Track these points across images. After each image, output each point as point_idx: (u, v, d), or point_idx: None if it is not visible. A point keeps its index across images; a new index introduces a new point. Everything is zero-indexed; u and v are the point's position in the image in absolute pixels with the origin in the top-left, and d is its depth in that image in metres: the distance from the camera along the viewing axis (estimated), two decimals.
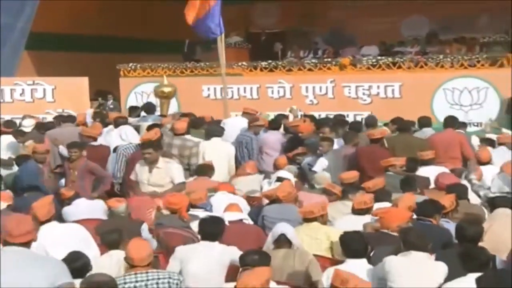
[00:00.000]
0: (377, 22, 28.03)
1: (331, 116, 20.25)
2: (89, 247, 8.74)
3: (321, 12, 28.89)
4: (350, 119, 20.21)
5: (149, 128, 14.45)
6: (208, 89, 24.81)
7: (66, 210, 11.12)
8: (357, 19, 28.57)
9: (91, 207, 11.20)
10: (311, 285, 8.30)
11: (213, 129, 14.98)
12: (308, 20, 29.33)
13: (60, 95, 24.59)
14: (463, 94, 23.20)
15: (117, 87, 26.27)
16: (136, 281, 7.44)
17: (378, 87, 23.95)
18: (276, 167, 13.63)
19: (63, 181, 13.76)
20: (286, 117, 18.26)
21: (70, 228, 9.47)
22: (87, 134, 14.67)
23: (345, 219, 10.02)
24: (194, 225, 9.83)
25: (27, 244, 6.19)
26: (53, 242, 8.90)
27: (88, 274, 7.66)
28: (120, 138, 15.15)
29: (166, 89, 20.08)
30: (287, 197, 10.63)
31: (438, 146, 14.07)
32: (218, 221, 8.96)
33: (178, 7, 25.88)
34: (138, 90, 26.15)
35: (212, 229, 8.69)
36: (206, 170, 12.70)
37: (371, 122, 16.40)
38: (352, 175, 12.29)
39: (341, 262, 8.97)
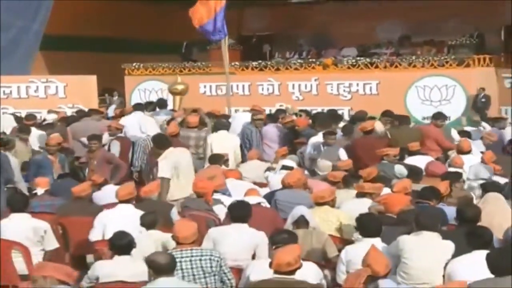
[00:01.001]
0: (355, 26, 28.03)
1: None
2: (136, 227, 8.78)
3: (305, 17, 28.83)
4: None
5: (168, 123, 14.66)
6: (204, 86, 25.00)
7: (97, 195, 11.09)
8: (337, 23, 28.56)
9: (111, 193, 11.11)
10: (327, 261, 8.35)
11: (220, 122, 15.02)
12: (293, 24, 29.32)
13: (71, 91, 24.51)
14: (433, 91, 23.43)
15: (122, 84, 26.35)
16: (181, 257, 7.43)
17: (357, 84, 24.20)
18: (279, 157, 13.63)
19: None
20: (284, 111, 18.34)
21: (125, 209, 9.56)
22: (115, 126, 14.74)
23: (350, 203, 10.04)
24: (215, 208, 10.00)
25: None
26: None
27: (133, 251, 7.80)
28: (139, 127, 15.37)
29: (179, 87, 20.19)
30: (297, 183, 10.62)
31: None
32: (246, 205, 8.95)
33: (177, 12, 26.04)
34: (141, 87, 26.25)
35: (242, 213, 8.66)
36: (217, 159, 12.70)
37: (361, 116, 16.37)
38: (347, 163, 12.44)
39: (349, 240, 9.13)
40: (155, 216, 8.78)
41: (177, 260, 7.33)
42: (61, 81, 24.72)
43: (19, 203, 9.50)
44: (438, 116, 15.35)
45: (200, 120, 15.03)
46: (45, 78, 25.02)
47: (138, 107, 17.12)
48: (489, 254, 6.63)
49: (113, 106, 20.79)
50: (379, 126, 14.81)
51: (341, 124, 15.40)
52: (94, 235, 9.36)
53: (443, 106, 22.37)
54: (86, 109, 19.64)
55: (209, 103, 20.98)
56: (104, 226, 9.31)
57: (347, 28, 27.95)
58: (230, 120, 16.34)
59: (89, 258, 10.35)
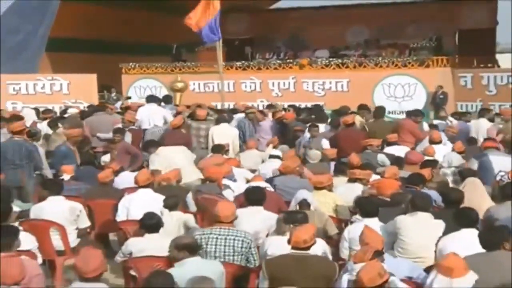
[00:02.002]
0: (327, 30, 28.04)
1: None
2: (156, 209, 8.81)
3: (282, 22, 28.88)
4: None
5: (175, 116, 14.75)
6: (194, 84, 24.88)
7: (116, 180, 11.08)
8: (311, 28, 28.59)
9: (131, 179, 11.15)
10: (329, 238, 8.37)
11: (221, 116, 15.03)
12: (272, 29, 29.38)
13: (74, 88, 24.57)
14: (397, 89, 23.55)
15: (120, 82, 26.32)
16: (219, 234, 7.48)
17: (330, 82, 24.26)
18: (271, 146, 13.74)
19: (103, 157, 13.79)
20: (274, 107, 18.44)
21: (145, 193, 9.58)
22: (128, 119, 14.76)
23: (343, 188, 10.14)
24: (225, 192, 9.99)
25: (98, 278, 6.08)
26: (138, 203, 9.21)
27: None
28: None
29: (180, 85, 20.39)
30: (287, 170, 10.64)
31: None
32: (261, 190, 8.98)
33: (168, 19, 26.24)
34: (136, 85, 26.25)
35: (258, 196, 8.70)
36: (219, 149, 12.74)
37: (343, 110, 16.38)
38: (333, 152, 12.63)
39: (344, 220, 9.27)
40: (177, 199, 8.85)
41: (214, 236, 7.47)
42: (65, 79, 24.74)
43: (56, 187, 9.60)
44: (417, 113, 15.42)
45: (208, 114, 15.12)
46: (51, 76, 25.02)
47: (152, 99, 17.06)
48: (481, 232, 6.77)
49: (119, 102, 20.72)
50: (358, 120, 14.97)
51: None
52: (119, 216, 9.41)
53: (406, 102, 22.58)
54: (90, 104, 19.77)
55: (198, 99, 20.91)
56: (127, 208, 9.39)
57: (320, 32, 27.95)
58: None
59: (111, 236, 10.54)
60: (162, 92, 25.10)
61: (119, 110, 17.68)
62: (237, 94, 23.47)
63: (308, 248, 6.73)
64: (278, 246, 7.43)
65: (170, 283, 5.96)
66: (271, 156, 12.65)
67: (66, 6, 25.05)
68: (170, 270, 6.41)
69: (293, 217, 7.67)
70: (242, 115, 16.34)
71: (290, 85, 24.57)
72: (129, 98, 21.49)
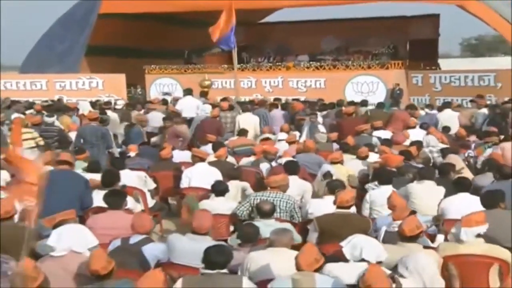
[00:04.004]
0: (307, 40, 27.89)
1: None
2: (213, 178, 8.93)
3: (270, 33, 28.90)
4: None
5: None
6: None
7: None
8: (293, 37, 28.48)
9: (183, 155, 11.30)
10: None
11: (245, 107, 15.16)
12: (262, 38, 29.37)
13: (107, 85, 24.75)
14: (363, 86, 23.73)
15: (143, 81, 26.23)
16: (269, 195, 7.69)
17: (310, 81, 24.39)
18: (281, 131, 13.82)
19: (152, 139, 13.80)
20: (280, 99, 18.57)
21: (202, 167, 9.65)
22: (172, 110, 14.89)
23: (352, 162, 10.30)
24: (261, 165, 10.17)
25: (206, 234, 6.14)
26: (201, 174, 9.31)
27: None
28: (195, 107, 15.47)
29: (207, 82, 20.24)
30: (307, 149, 10.82)
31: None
32: (296, 162, 9.22)
33: (181, 30, 26.18)
34: (156, 83, 26.15)
35: (294, 168, 8.90)
36: (244, 132, 12.91)
37: (341, 103, 16.63)
38: (334, 135, 12.77)
39: (355, 187, 9.42)
40: (238, 170, 9.02)
41: (265, 198, 7.60)
42: (100, 78, 24.91)
43: (121, 162, 9.73)
44: (412, 107, 15.69)
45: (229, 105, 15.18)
46: (89, 75, 25.10)
47: (188, 91, 17.04)
48: (482, 194, 6.95)
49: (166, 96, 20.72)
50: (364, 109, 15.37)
51: None
52: (183, 184, 9.52)
53: (370, 96, 22.64)
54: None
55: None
56: (189, 178, 9.50)
57: (301, 41, 27.91)
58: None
59: (171, 200, 10.67)
60: (177, 88, 25.24)
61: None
62: (237, 90, 23.58)
63: (349, 207, 6.93)
64: (316, 206, 7.67)
65: (257, 232, 6.18)
66: (280, 140, 12.84)
67: (101, 21, 25.02)
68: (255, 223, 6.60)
69: (335, 184, 7.87)
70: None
71: (279, 83, 24.65)
72: (167, 94, 21.34)
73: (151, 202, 9.19)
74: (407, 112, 14.81)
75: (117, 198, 6.91)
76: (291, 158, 10.03)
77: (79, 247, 5.46)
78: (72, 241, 5.45)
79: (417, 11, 27.89)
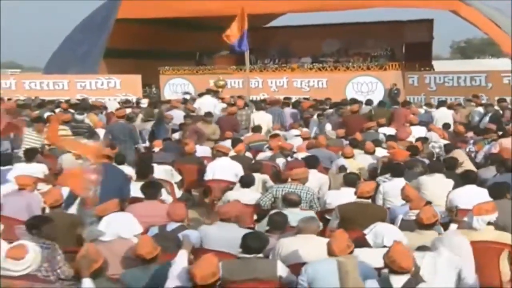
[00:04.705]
0: (309, 43, 27.86)
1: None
2: (235, 172, 9.05)
3: (275, 36, 28.89)
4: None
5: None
6: (213, 82, 24.85)
7: None
8: (297, 40, 28.39)
9: (202, 150, 11.43)
10: None
11: (259, 105, 15.22)
12: (268, 41, 29.33)
13: (124, 85, 24.87)
14: (363, 86, 23.76)
15: (158, 81, 26.30)
16: (290, 187, 7.75)
17: (313, 81, 24.42)
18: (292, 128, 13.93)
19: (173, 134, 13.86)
20: (290, 99, 18.61)
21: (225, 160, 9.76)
22: (190, 108, 14.93)
23: (361, 157, 10.33)
24: (277, 160, 10.21)
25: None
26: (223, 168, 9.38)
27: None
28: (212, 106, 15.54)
29: (221, 82, 20.31)
30: (318, 144, 10.93)
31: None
32: (315, 157, 9.28)
33: (193, 33, 26.20)
34: (170, 83, 26.27)
35: (313, 162, 8.98)
36: (258, 129, 12.98)
37: (344, 102, 16.75)
38: (342, 131, 12.71)
39: (365, 180, 9.47)
40: (259, 164, 9.10)
41: (286, 189, 7.70)
42: (117, 78, 25.03)
43: (149, 157, 9.83)
44: (407, 103, 16.00)
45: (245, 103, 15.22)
46: (107, 76, 25.24)
47: (207, 92, 17.22)
48: (489, 186, 7.03)
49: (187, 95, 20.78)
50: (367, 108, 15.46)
51: None
52: (208, 176, 9.62)
53: (369, 95, 22.51)
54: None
55: None
56: (213, 171, 9.58)
57: (304, 44, 27.81)
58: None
59: (194, 191, 10.76)
60: (189, 88, 25.34)
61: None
62: (245, 89, 23.46)
63: (369, 197, 7.02)
64: (333, 197, 7.76)
65: (286, 220, 6.27)
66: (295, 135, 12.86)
67: (118, 25, 25.18)
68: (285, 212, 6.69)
69: (350, 177, 7.96)
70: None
71: (284, 83, 24.71)
72: (187, 93, 21.39)
73: (178, 193, 9.27)
74: (408, 110, 14.89)
75: (153, 189, 7.02)
76: (307, 154, 10.11)
77: (125, 233, 5.58)
78: (119, 228, 5.59)
79: (412, 16, 27.90)
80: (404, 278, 4.42)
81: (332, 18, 30.64)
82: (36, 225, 5.30)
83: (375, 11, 25.26)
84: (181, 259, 4.88)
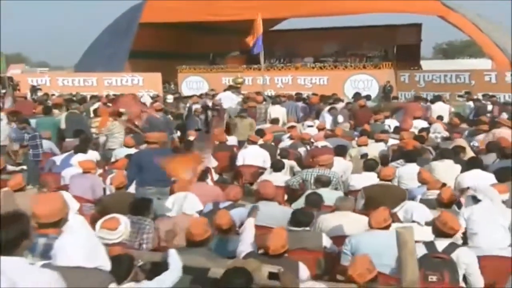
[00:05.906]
0: (311, 44, 27.92)
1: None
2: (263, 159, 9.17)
3: (280, 39, 28.95)
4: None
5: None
6: (225, 79, 25.01)
7: None
8: (300, 42, 28.45)
9: (231, 140, 11.46)
10: None
11: (275, 100, 15.28)
12: (273, 43, 29.16)
13: (146, 82, 24.97)
14: (359, 83, 23.93)
15: (175, 78, 26.44)
16: (318, 171, 7.81)
17: (315, 79, 24.57)
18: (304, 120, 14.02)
19: None
20: (300, 93, 18.69)
21: (254, 148, 9.89)
22: (214, 103, 15.00)
23: (373, 145, 10.32)
24: (299, 149, 10.27)
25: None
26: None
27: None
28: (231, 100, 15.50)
29: (240, 80, 20.34)
30: (334, 134, 11.09)
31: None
32: (344, 147, 9.28)
33: (208, 36, 26.24)
34: (187, 80, 26.46)
35: (341, 151, 9.01)
36: (275, 121, 13.07)
37: (357, 96, 16.75)
38: (352, 123, 12.91)
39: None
40: (287, 151, 9.22)
41: (315, 173, 7.77)
42: (140, 76, 25.15)
43: (190, 144, 9.91)
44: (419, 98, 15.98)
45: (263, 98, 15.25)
46: (131, 74, 25.33)
47: (228, 88, 17.29)
48: (495, 170, 7.13)
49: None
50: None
51: None
52: (239, 162, 9.75)
53: (365, 92, 22.55)
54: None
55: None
56: (243, 157, 9.73)
57: (306, 46, 27.93)
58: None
59: (225, 175, 10.85)
60: (204, 85, 25.45)
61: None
62: (254, 86, 23.57)
63: (391, 180, 7.15)
64: (356, 180, 7.87)
65: (321, 199, 6.39)
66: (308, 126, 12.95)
67: (141, 29, 25.48)
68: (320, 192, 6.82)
69: (370, 163, 8.10)
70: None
71: (289, 80, 24.92)
72: (213, 90, 21.47)
73: (215, 177, 9.41)
74: (419, 104, 14.99)
75: (203, 172, 7.16)
76: (325, 142, 10.18)
77: (188, 210, 5.74)
78: (183, 205, 5.73)
79: (403, 20, 27.99)
80: (446, 242, 4.66)
81: (331, 23, 30.78)
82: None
83: (370, 16, 25.46)
84: (250, 225, 5.02)
